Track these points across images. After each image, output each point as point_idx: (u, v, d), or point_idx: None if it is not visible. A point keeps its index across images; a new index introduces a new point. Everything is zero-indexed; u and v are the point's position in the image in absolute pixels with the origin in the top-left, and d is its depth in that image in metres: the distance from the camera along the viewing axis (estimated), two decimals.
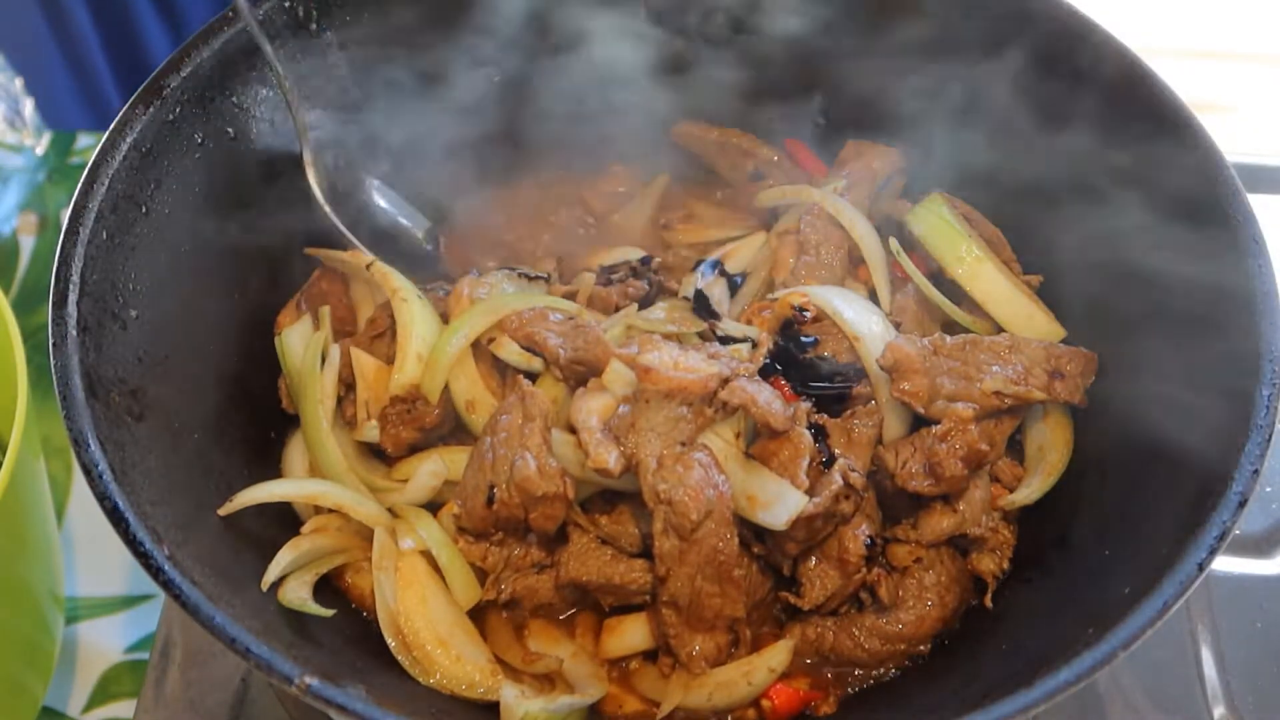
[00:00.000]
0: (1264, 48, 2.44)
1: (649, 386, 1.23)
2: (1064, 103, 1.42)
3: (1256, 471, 1.09)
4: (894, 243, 1.47)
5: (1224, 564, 1.56)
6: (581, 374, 1.32)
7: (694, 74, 1.65)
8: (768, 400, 1.24)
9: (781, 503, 1.20)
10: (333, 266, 1.53)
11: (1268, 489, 1.64)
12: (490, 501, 1.24)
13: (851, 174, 1.59)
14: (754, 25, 1.61)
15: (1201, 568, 1.04)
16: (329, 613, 1.25)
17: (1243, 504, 1.07)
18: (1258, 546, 1.59)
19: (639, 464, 1.22)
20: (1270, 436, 1.11)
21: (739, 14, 1.61)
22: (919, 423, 1.33)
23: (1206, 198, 1.26)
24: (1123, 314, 1.38)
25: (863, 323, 1.37)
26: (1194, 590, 1.04)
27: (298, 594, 1.25)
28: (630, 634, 1.30)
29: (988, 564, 1.34)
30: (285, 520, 1.35)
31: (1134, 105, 1.35)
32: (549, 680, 1.29)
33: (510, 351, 1.37)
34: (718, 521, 1.19)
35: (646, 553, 1.26)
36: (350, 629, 1.30)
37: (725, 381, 1.23)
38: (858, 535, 1.26)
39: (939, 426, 1.28)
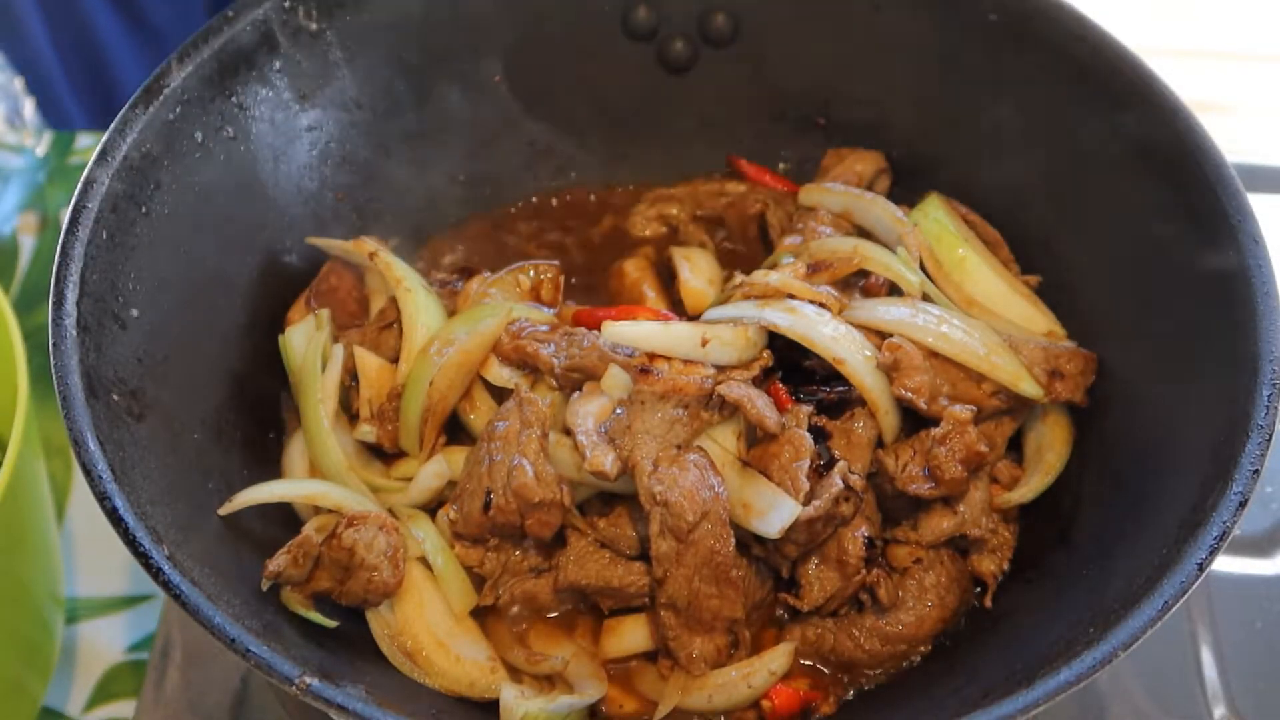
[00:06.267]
0: (1264, 48, 2.44)
1: (645, 388, 1.24)
2: (1060, 103, 1.42)
3: (1256, 471, 1.09)
4: (902, 252, 1.46)
5: (1224, 564, 1.56)
6: (576, 381, 1.31)
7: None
8: (763, 402, 1.24)
9: (775, 511, 1.19)
10: (340, 258, 1.51)
11: (1268, 489, 1.64)
12: (487, 508, 1.24)
13: (837, 180, 1.56)
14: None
15: (1201, 568, 1.04)
16: (332, 624, 1.24)
17: (1243, 504, 1.07)
18: (1258, 546, 1.59)
19: (635, 466, 1.22)
20: (1270, 436, 1.11)
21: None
22: (916, 425, 1.33)
23: (1206, 197, 1.26)
24: (1122, 313, 1.38)
25: (841, 346, 1.30)
26: (1194, 590, 1.04)
27: (301, 598, 1.25)
28: (630, 635, 1.30)
29: (988, 565, 1.34)
30: (285, 520, 1.35)
31: (1133, 105, 1.35)
32: (549, 680, 1.29)
33: (498, 375, 1.36)
34: (714, 522, 1.19)
35: (645, 555, 1.26)
36: (350, 629, 1.30)
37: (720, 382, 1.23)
38: (857, 536, 1.26)
39: (938, 429, 1.28)
